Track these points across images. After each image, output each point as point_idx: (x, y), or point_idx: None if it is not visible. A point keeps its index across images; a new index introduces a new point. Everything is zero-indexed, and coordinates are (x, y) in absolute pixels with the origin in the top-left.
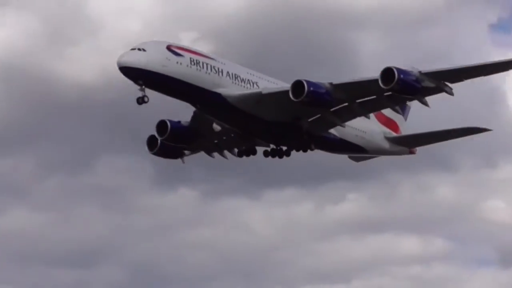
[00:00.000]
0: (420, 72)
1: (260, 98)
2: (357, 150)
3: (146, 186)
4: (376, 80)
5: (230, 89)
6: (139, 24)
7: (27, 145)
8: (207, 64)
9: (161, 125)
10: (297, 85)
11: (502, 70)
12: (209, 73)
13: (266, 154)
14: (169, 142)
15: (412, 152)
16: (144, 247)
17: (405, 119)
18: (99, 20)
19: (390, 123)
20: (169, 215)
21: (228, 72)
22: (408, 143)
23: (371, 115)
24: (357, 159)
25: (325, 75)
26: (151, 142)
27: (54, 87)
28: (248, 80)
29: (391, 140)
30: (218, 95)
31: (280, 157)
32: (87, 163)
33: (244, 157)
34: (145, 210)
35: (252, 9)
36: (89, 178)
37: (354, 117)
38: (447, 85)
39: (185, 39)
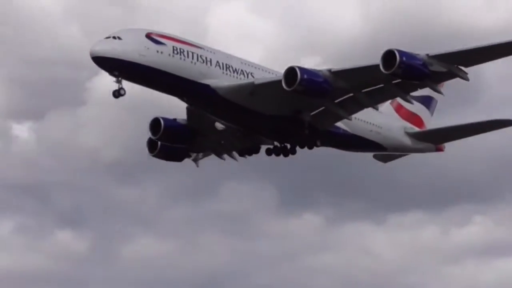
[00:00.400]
0: (427, 55)
1: (253, 89)
2: (373, 147)
3: (269, 211)
4: (377, 66)
5: (220, 80)
6: (260, 50)
7: (152, 173)
8: (193, 53)
9: (155, 124)
10: (290, 73)
11: None
12: (195, 63)
13: (268, 152)
14: (165, 142)
15: (439, 149)
16: (269, 273)
17: (431, 114)
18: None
19: (413, 118)
20: (292, 240)
21: (218, 62)
22: (433, 139)
23: (391, 109)
24: (383, 159)
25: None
26: (152, 144)
27: None
28: (242, 70)
29: (413, 135)
30: (206, 87)
31: (285, 155)
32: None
33: (248, 157)
34: (268, 236)
35: (375, 32)
36: (213, 204)
37: (361, 108)
38: (460, 69)
39: (308, 64)
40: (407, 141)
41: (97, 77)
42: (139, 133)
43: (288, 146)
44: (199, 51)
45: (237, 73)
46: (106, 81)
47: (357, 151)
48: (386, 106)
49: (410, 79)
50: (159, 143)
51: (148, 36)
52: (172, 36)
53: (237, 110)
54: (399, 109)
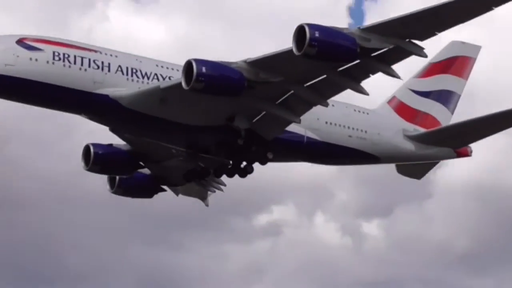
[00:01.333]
0: (359, 28)
1: (162, 95)
2: (360, 158)
3: None
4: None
5: (123, 89)
6: None
7: None
8: (82, 58)
9: (88, 152)
10: (188, 69)
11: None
12: (86, 70)
13: (217, 173)
14: (100, 173)
15: (462, 154)
16: None
17: (452, 112)
18: None
19: (422, 119)
20: None
21: (120, 67)
22: (445, 141)
23: (389, 108)
24: (413, 174)
25: None
26: (113, 179)
27: None
28: (157, 74)
29: (416, 139)
30: (104, 97)
31: (241, 175)
32: None
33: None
34: None
35: None
36: None
37: (308, 107)
38: (412, 44)
39: None
40: (409, 146)
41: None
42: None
43: (244, 163)
44: (93, 55)
45: (148, 78)
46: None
47: (340, 163)
48: (382, 106)
49: (331, 61)
50: (116, 177)
51: (21, 41)
52: (55, 40)
53: (155, 123)
54: (400, 109)
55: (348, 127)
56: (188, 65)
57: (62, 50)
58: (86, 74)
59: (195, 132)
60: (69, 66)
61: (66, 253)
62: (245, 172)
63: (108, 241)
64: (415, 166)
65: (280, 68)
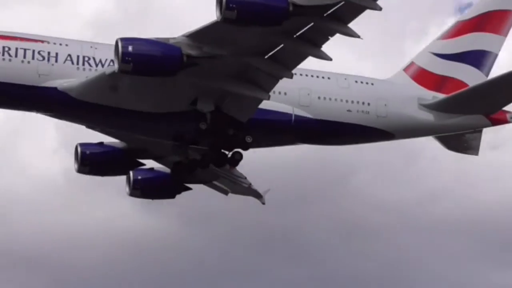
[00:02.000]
0: None
1: (110, 82)
2: (368, 134)
3: None
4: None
5: (73, 79)
6: None
7: None
8: (25, 50)
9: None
10: (117, 48)
11: None
12: (29, 62)
13: (203, 164)
14: (92, 174)
15: (499, 121)
16: None
17: (486, 74)
18: None
19: (448, 85)
20: None
21: (70, 56)
22: (474, 106)
23: (405, 77)
24: (464, 148)
25: None
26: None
27: None
28: (113, 60)
29: (435, 107)
30: (52, 90)
31: (232, 164)
32: None
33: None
34: None
35: None
36: None
37: (274, 80)
38: None
39: None
40: (426, 116)
41: None
42: None
43: (227, 152)
44: (38, 46)
45: (103, 65)
46: None
47: (345, 142)
48: (398, 74)
49: (258, 24)
50: (130, 177)
51: None
52: None
53: (112, 114)
54: (420, 76)
55: (347, 101)
56: (116, 44)
57: (1, 43)
58: (30, 67)
59: (160, 120)
60: (10, 60)
61: None
62: (235, 160)
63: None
64: (458, 139)
65: (222, 40)
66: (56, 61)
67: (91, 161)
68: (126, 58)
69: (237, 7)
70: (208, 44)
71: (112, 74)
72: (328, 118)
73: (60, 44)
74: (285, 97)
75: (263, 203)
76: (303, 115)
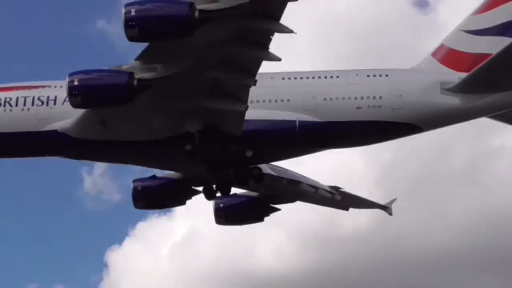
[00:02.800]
0: None
1: (97, 116)
2: (387, 130)
3: None
4: None
5: (69, 119)
6: None
7: None
8: (25, 98)
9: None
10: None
11: None
12: (29, 109)
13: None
14: (149, 208)
15: None
16: None
17: None
18: None
19: (479, 63)
20: None
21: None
22: (505, 81)
23: (433, 61)
24: None
25: None
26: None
27: None
28: None
29: (459, 89)
30: (53, 133)
31: (256, 180)
32: None
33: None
34: None
35: None
36: None
37: (241, 90)
38: None
39: None
40: (451, 101)
41: None
42: None
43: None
44: (38, 92)
45: None
46: None
47: (365, 142)
48: (425, 60)
49: (164, 37)
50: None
51: None
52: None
53: (115, 148)
54: (449, 58)
55: (356, 97)
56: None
57: (3, 95)
58: (30, 113)
59: (163, 147)
60: (10, 110)
61: None
62: (255, 176)
63: None
64: None
65: (168, 58)
66: (55, 103)
67: (144, 196)
68: (73, 92)
69: (136, 24)
70: (159, 64)
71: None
72: (336, 119)
73: (61, 87)
74: (288, 104)
75: (390, 214)
76: (309, 120)
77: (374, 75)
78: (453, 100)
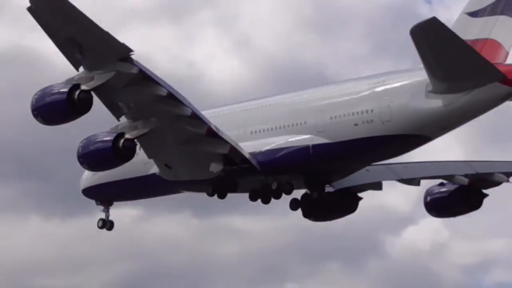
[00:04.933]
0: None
1: (157, 162)
2: (387, 146)
3: None
4: None
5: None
6: None
7: None
8: None
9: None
10: None
11: None
12: (137, 154)
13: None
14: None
15: None
16: None
17: None
18: None
19: (480, 50)
20: None
21: None
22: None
23: None
24: None
25: None
26: None
27: None
28: None
29: (441, 89)
30: (154, 177)
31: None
32: None
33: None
34: None
35: None
36: None
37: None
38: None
39: None
40: (434, 104)
41: None
42: None
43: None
44: None
45: None
46: None
47: (371, 160)
48: None
49: (62, 121)
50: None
51: None
52: None
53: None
54: None
55: (353, 113)
56: None
57: None
58: (137, 158)
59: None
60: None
61: None
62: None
63: None
64: None
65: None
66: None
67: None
68: (80, 159)
69: (38, 114)
70: (138, 122)
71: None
72: (344, 139)
73: None
74: (305, 126)
75: None
76: (322, 142)
77: (372, 83)
78: (435, 103)
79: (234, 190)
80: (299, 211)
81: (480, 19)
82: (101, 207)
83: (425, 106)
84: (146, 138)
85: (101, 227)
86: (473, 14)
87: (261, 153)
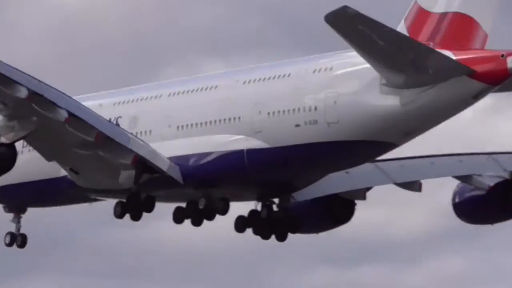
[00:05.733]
0: None
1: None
2: (338, 156)
3: None
4: None
5: None
6: None
7: None
8: None
9: None
10: None
11: None
12: None
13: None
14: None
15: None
16: None
17: None
18: None
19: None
20: None
21: None
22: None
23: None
24: None
25: None
26: None
27: None
28: None
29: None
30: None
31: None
32: None
33: None
34: None
35: None
36: None
37: None
38: None
39: None
40: (391, 101)
41: None
42: None
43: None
44: None
45: None
46: None
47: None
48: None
49: None
50: None
51: None
52: None
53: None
54: (419, 23)
55: (294, 110)
56: None
57: None
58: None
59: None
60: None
61: None
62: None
63: None
64: None
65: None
66: None
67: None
68: None
69: None
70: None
71: None
72: (284, 143)
73: None
74: (239, 123)
75: None
76: (258, 147)
77: (319, 70)
78: (392, 101)
79: (150, 209)
80: None
81: None
82: (11, 216)
83: (379, 104)
84: (32, 140)
85: (8, 244)
86: None
87: (182, 159)
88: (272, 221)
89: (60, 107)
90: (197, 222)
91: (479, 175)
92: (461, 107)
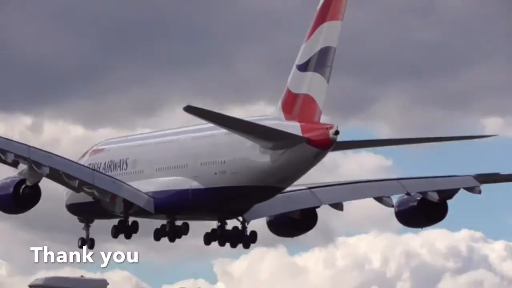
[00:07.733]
0: None
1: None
2: (244, 197)
3: None
4: None
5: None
6: None
7: None
8: None
9: None
10: None
11: None
12: None
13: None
14: None
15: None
16: None
17: (327, 78)
18: None
19: (301, 105)
20: None
21: None
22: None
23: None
24: None
25: None
26: None
27: None
28: None
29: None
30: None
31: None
32: None
33: None
34: None
35: None
36: None
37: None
38: None
39: None
40: (265, 159)
41: None
42: None
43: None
44: None
45: None
46: None
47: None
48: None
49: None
50: None
51: None
52: None
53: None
54: (286, 101)
55: (213, 162)
56: None
57: None
58: None
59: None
60: None
61: None
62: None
63: None
64: None
65: None
66: None
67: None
68: None
69: None
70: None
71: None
72: (209, 185)
73: None
74: (186, 169)
75: None
76: (198, 187)
77: (228, 133)
78: (265, 158)
79: (136, 231)
80: None
81: (301, 73)
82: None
83: (259, 160)
84: (53, 180)
85: (80, 247)
86: (298, 66)
87: (153, 194)
88: (229, 235)
89: (44, 166)
90: (171, 239)
91: (388, 197)
92: (308, 165)
